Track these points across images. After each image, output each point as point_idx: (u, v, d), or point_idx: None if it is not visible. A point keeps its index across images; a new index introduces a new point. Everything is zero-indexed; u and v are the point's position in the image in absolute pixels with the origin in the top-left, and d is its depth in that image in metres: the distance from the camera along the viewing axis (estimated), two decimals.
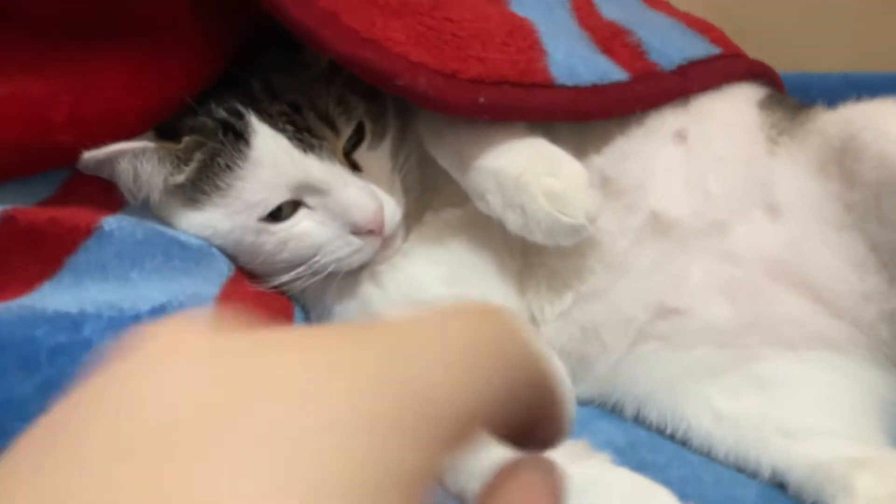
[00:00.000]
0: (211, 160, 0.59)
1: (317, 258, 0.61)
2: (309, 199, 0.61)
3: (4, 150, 0.53)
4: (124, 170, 0.58)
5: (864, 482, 0.52)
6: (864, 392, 0.60)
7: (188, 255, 0.58)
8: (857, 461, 0.54)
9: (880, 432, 0.58)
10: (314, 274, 0.62)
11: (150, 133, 0.60)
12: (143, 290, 0.53)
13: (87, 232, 0.54)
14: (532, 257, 0.70)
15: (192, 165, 0.59)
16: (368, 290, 0.66)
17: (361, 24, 0.58)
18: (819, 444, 0.56)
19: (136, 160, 0.58)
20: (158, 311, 0.52)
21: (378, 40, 0.58)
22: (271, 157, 0.58)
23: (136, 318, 0.50)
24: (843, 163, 0.60)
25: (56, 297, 0.50)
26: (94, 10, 0.55)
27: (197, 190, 0.60)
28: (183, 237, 0.59)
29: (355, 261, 0.62)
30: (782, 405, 0.59)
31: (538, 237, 0.60)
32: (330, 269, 0.62)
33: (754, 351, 0.62)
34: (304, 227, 0.61)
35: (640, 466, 0.50)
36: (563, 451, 0.47)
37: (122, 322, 0.49)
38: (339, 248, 0.61)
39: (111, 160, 0.57)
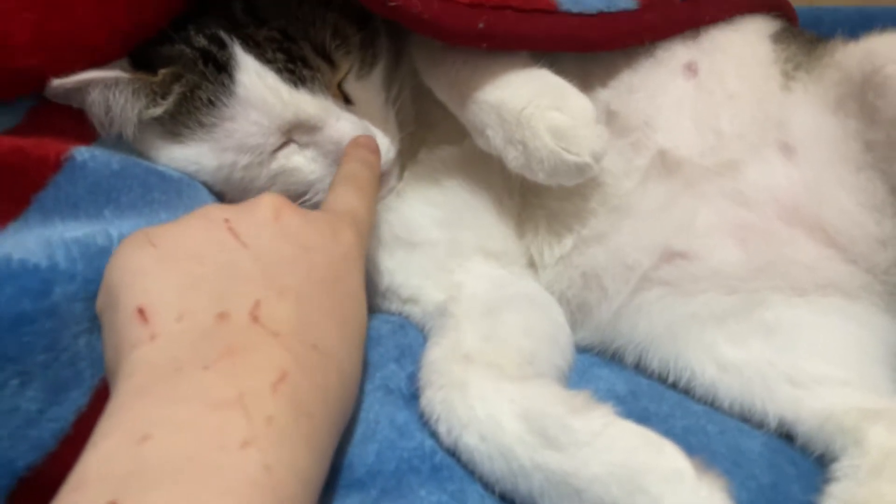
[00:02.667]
0: (191, 94, 0.55)
1: (308, 196, 0.59)
2: (298, 137, 0.58)
3: None
4: (95, 101, 0.54)
5: (877, 434, 0.49)
6: (877, 340, 0.58)
7: (168, 186, 0.54)
8: (870, 412, 0.51)
9: (893, 382, 0.56)
10: None
11: (124, 61, 0.56)
12: (115, 231, 0.49)
13: (56, 165, 0.49)
14: (531, 198, 0.68)
15: (170, 99, 0.55)
16: None
17: None
18: (829, 394, 0.54)
19: (109, 91, 0.54)
20: None
21: None
22: (259, 96, 0.55)
23: None
24: (864, 98, 0.57)
25: (22, 241, 0.45)
26: None
27: (178, 123, 0.56)
28: (161, 168, 0.56)
29: None
30: (791, 353, 0.57)
31: (540, 176, 0.57)
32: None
33: (763, 297, 0.59)
34: (295, 161, 0.58)
35: (642, 416, 0.48)
36: (565, 403, 0.46)
37: (97, 283, 0.44)
38: None
39: (81, 89, 0.53)
